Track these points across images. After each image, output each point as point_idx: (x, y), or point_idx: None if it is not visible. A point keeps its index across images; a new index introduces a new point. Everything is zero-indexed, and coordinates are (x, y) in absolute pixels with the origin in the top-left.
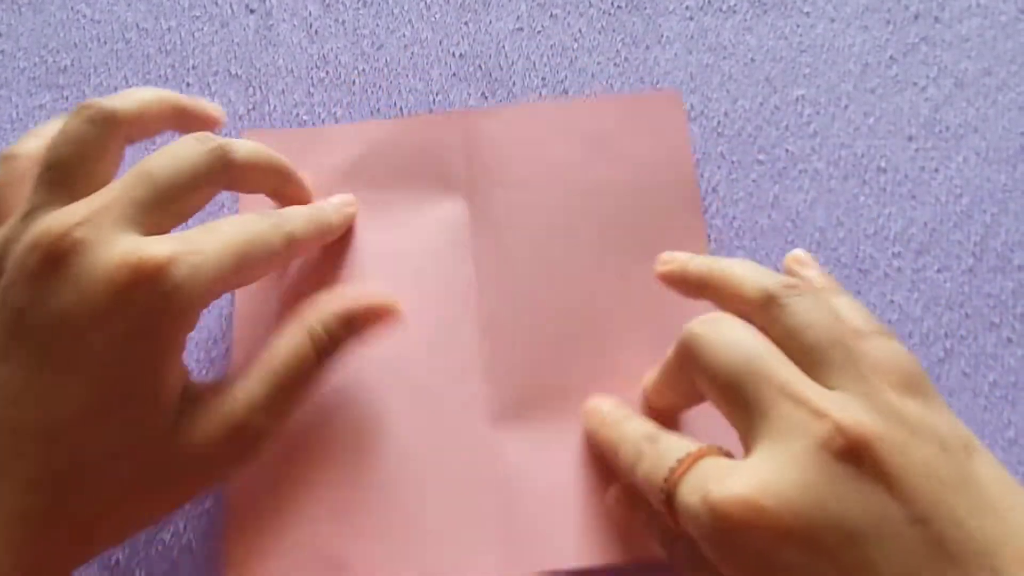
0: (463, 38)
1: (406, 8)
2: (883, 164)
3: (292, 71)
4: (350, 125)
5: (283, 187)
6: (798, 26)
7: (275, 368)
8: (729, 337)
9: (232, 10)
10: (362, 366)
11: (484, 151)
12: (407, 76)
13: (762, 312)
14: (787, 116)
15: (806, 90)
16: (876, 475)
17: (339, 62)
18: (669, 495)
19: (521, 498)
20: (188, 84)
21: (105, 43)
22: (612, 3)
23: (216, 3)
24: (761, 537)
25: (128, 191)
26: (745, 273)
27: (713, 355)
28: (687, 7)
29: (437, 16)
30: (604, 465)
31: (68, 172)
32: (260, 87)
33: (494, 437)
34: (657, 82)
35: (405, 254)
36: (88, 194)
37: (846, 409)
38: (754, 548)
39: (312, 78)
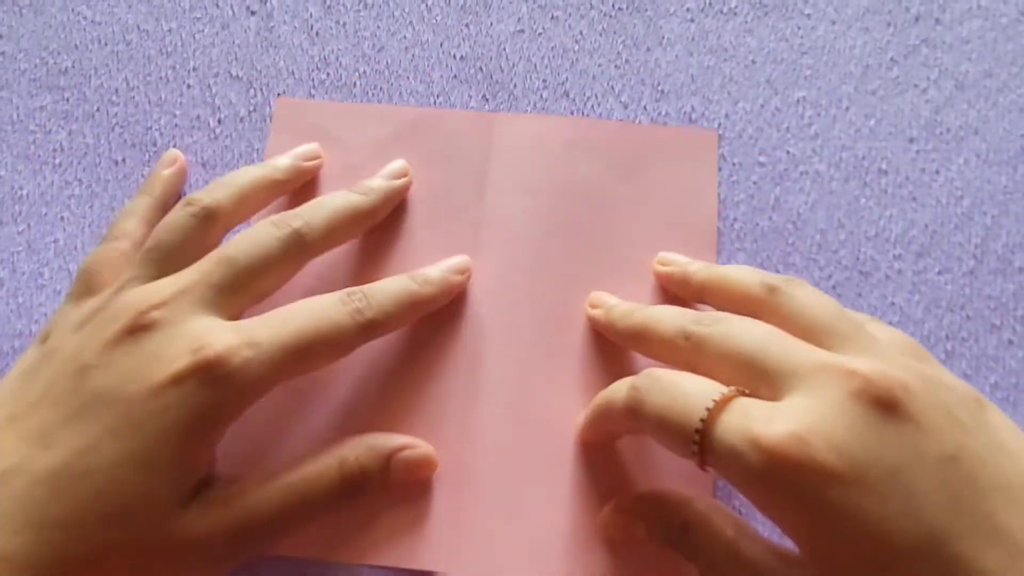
0: (464, 40)
1: (407, 10)
2: (884, 166)
3: (293, 73)
4: (383, 106)
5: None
6: (799, 28)
7: (296, 487)
8: (738, 327)
9: (233, 12)
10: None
11: (508, 155)
12: (408, 78)
13: (766, 302)
14: (788, 118)
15: (807, 92)
16: (906, 418)
17: (340, 64)
18: (703, 436)
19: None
20: (189, 86)
21: (106, 45)
22: (613, 5)
23: (217, 5)
24: (809, 475)
25: (208, 275)
26: (743, 274)
27: (725, 346)
28: (688, 9)
29: (438, 18)
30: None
31: (166, 256)
32: (261, 89)
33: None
34: (658, 84)
35: (411, 238)
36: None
37: (870, 364)
38: (801, 486)
39: (313, 80)
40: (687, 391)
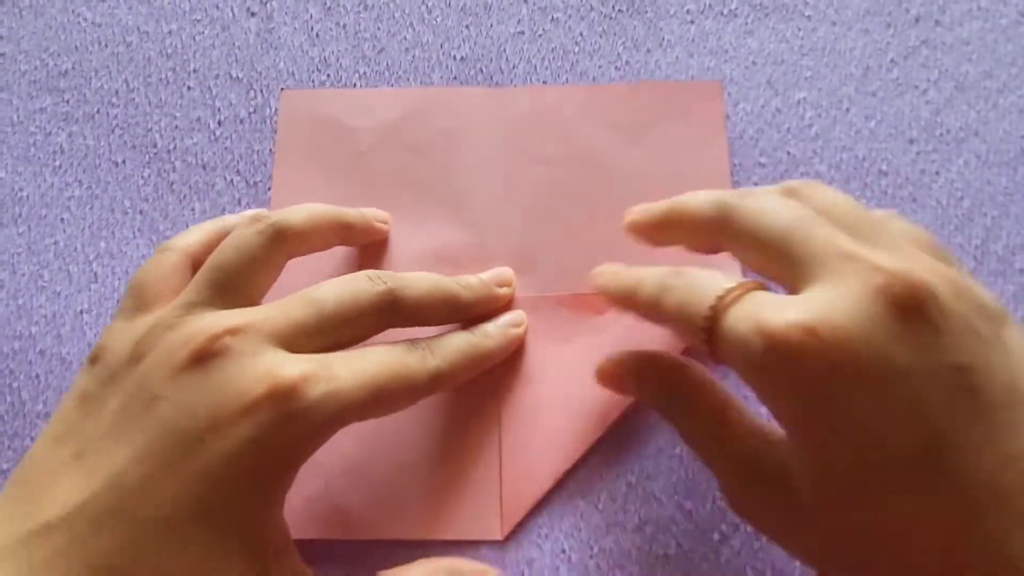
0: (464, 41)
1: (407, 11)
2: (884, 167)
3: (293, 74)
4: (388, 90)
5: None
6: (799, 29)
7: None
8: (770, 204)
9: (233, 13)
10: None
11: (520, 128)
12: (408, 79)
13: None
14: (788, 119)
15: (807, 93)
16: (925, 322)
17: (340, 65)
18: (713, 324)
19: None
20: (189, 87)
21: (106, 46)
22: (613, 6)
23: (217, 6)
24: (812, 365)
25: (290, 312)
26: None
27: (755, 221)
28: (688, 10)
29: (438, 19)
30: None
31: (231, 277)
32: (261, 90)
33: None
34: None
35: (437, 219)
36: (245, 300)
37: (896, 262)
38: (803, 376)
39: (313, 81)
40: (703, 282)
